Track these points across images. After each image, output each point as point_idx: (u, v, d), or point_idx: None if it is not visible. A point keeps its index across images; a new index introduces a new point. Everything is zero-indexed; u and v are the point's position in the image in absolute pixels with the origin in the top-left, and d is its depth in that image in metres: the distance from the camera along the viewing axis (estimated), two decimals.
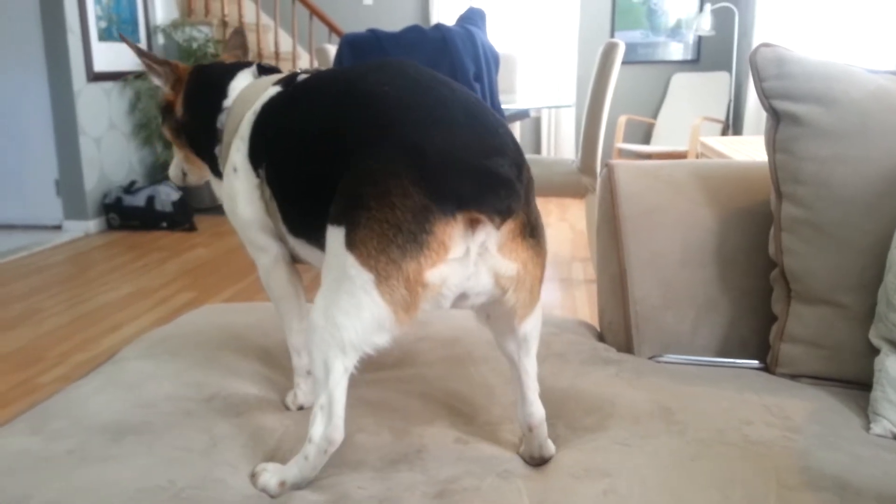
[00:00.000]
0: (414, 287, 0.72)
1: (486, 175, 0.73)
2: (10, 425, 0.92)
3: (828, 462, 0.79)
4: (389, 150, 0.74)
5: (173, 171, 1.15)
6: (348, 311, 0.74)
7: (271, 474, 0.81)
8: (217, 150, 1.00)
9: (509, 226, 0.75)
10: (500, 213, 0.73)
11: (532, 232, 0.78)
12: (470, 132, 0.76)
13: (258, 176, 0.93)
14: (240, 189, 0.95)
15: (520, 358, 0.85)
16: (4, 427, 0.92)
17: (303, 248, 0.93)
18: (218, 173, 1.02)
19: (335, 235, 0.75)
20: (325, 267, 0.78)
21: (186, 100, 1.04)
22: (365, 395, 1.00)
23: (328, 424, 0.78)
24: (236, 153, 0.95)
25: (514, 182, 0.74)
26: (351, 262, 0.73)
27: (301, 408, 0.99)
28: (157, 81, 1.06)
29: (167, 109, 1.07)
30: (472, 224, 0.73)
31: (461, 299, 0.78)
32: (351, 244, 0.73)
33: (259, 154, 0.92)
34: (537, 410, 0.86)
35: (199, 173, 1.12)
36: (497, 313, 0.82)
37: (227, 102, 0.99)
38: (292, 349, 1.01)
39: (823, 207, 1.01)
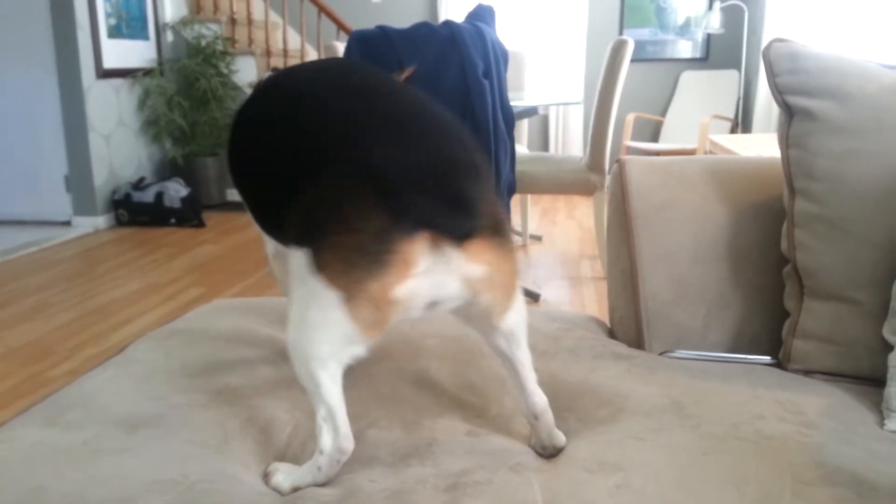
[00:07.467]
0: (381, 305, 0.73)
1: (446, 196, 0.73)
2: (25, 416, 0.92)
3: (843, 457, 0.79)
4: (344, 169, 0.74)
5: None
6: (319, 326, 0.75)
7: (284, 476, 0.81)
8: None
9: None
10: (462, 236, 0.73)
11: (496, 230, 0.77)
12: (424, 144, 0.75)
13: None
14: None
15: (511, 351, 0.85)
16: (19, 418, 0.92)
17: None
18: None
19: (299, 257, 0.76)
20: (293, 280, 0.78)
21: None
22: (377, 388, 1.00)
23: (336, 435, 0.79)
24: None
25: (474, 201, 0.74)
26: (318, 284, 0.74)
27: None
28: None
29: None
30: (435, 238, 0.73)
31: (433, 307, 0.78)
32: (317, 267, 0.74)
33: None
34: (539, 399, 0.86)
35: None
36: (474, 314, 0.82)
37: None
38: None
39: (837, 203, 1.01)
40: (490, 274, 0.77)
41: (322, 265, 0.73)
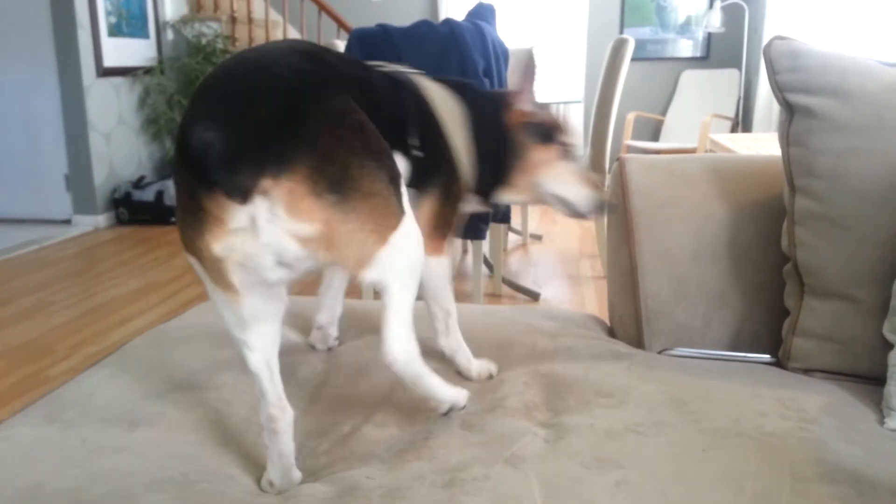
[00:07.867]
0: (213, 262, 0.75)
1: (227, 154, 0.71)
2: (25, 413, 0.92)
3: (843, 455, 0.79)
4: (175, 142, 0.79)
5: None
6: (213, 299, 0.80)
7: (263, 477, 0.82)
8: None
9: (291, 188, 0.71)
10: (237, 193, 0.71)
11: (332, 187, 0.73)
12: (220, 114, 0.74)
13: None
14: None
15: (382, 294, 0.81)
16: (18, 416, 0.92)
17: None
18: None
19: None
20: None
21: None
22: (376, 387, 1.00)
23: (264, 402, 0.82)
24: None
25: (269, 157, 0.71)
26: (186, 254, 0.79)
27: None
28: None
29: None
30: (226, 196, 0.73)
31: (281, 267, 0.76)
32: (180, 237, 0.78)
33: None
34: (388, 350, 0.81)
35: None
36: (334, 267, 0.84)
37: None
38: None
39: (837, 201, 1.01)
40: (325, 232, 0.73)
41: (180, 234, 0.78)
